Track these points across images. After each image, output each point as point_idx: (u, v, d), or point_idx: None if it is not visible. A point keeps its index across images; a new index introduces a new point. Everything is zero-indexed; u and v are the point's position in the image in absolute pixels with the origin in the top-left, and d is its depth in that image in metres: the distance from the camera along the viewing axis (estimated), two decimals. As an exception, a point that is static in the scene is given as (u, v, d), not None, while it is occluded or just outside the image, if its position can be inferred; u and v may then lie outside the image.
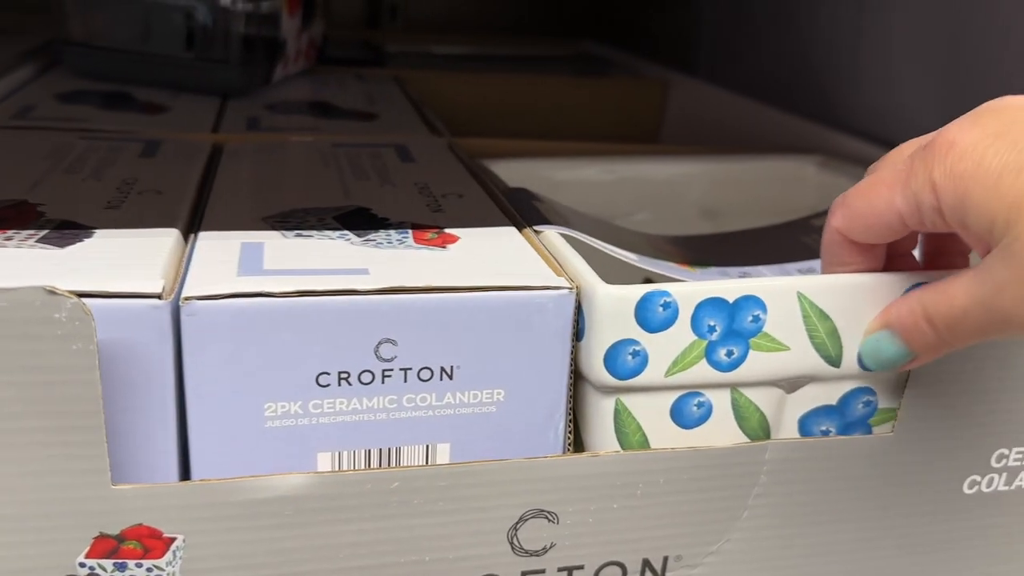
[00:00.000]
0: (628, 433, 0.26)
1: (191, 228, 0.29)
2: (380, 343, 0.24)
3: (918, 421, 0.28)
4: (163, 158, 0.36)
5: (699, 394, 0.27)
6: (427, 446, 0.26)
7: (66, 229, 0.27)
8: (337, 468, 0.25)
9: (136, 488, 0.23)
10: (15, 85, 0.49)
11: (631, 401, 0.26)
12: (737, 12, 0.67)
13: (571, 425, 0.27)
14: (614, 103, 0.64)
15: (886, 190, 0.25)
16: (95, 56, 0.49)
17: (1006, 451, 0.29)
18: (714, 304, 0.26)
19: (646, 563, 0.27)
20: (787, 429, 0.28)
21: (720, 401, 0.27)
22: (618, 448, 0.27)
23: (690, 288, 0.25)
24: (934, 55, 0.47)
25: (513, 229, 0.30)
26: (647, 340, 0.25)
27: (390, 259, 0.26)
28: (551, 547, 0.26)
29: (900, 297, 0.26)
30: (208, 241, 0.27)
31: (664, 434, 0.27)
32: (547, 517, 0.26)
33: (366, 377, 0.24)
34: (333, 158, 0.38)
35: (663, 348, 0.26)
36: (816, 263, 0.34)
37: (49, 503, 0.23)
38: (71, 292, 0.21)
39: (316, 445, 0.25)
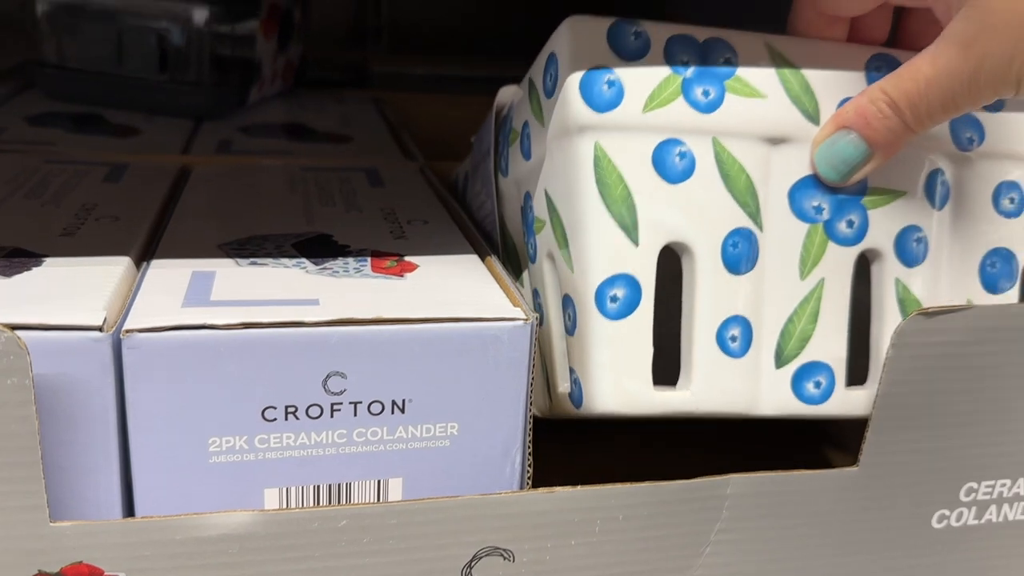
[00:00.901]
0: (610, 184, 0.26)
1: (145, 255, 0.28)
2: (328, 376, 0.24)
3: (885, 455, 0.27)
4: (127, 183, 0.36)
5: (680, 142, 0.26)
6: (379, 482, 0.25)
7: (16, 257, 0.27)
8: (285, 505, 0.24)
9: (75, 525, 0.22)
10: (-13, 107, 0.49)
11: (610, 144, 0.25)
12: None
13: (530, 459, 0.26)
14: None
15: None
16: (68, 78, 0.49)
17: (975, 485, 0.29)
18: (684, 40, 0.26)
19: (606, 601, 0.27)
20: (777, 203, 0.27)
21: (703, 152, 0.26)
22: (601, 204, 0.26)
23: (660, 23, 0.26)
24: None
25: (475, 257, 0.30)
26: (621, 70, 0.25)
27: (344, 289, 0.26)
28: (507, 585, 0.26)
29: (854, 97, 0.26)
30: (159, 270, 0.26)
31: (648, 186, 0.26)
32: (502, 555, 0.25)
33: (314, 411, 0.24)
34: (301, 182, 0.38)
35: (638, 79, 0.25)
36: None
37: (-15, 541, 0.22)
38: (7, 325, 0.21)
39: (263, 481, 0.24)
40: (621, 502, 0.26)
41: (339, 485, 0.25)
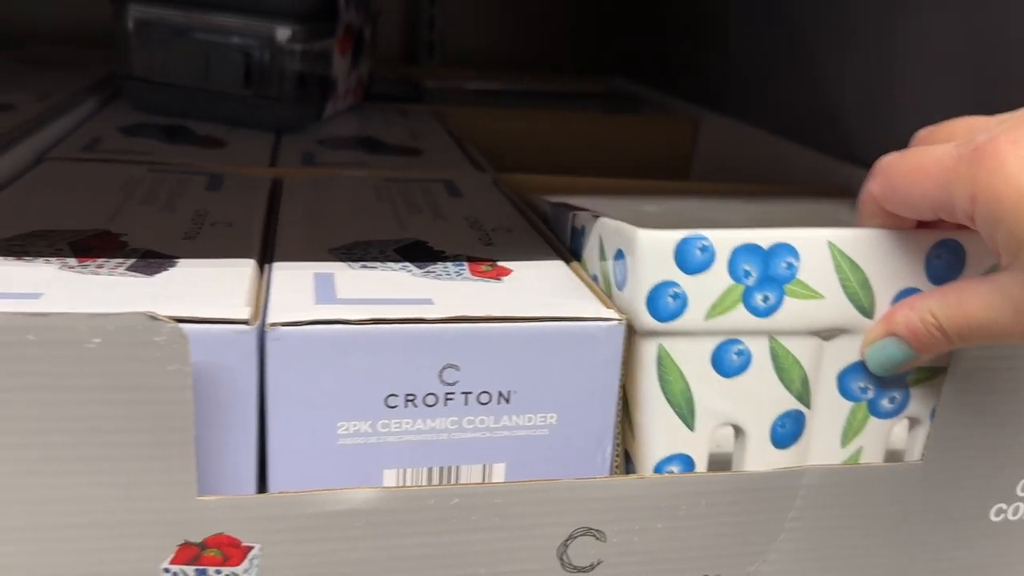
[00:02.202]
0: (671, 380, 0.28)
1: (264, 258, 0.31)
2: (444, 368, 0.26)
3: (946, 450, 0.29)
4: (228, 191, 0.38)
5: (738, 341, 0.28)
6: (484, 466, 0.27)
7: (151, 258, 0.29)
8: (401, 484, 0.27)
9: (219, 499, 0.25)
10: (82, 117, 0.52)
11: (673, 347, 0.27)
12: (767, 51, 0.69)
13: (619, 448, 0.29)
14: (645, 140, 0.66)
15: (926, 179, 0.26)
16: (156, 91, 0.52)
17: (1031, 481, 0.31)
18: (749, 250, 0.27)
19: (687, 581, 0.29)
20: (826, 385, 0.29)
21: (759, 350, 0.28)
22: (662, 396, 0.28)
23: (727, 233, 0.27)
24: (963, 95, 0.49)
25: (561, 263, 0.32)
26: (686, 282, 0.27)
27: (451, 290, 0.28)
28: (598, 564, 0.28)
29: (903, 303, 0.28)
30: (283, 271, 0.29)
31: (705, 381, 0.28)
32: (595, 535, 0.28)
33: (430, 399, 0.26)
34: (386, 192, 0.40)
35: (702, 291, 0.27)
36: None
37: (141, 511, 0.25)
38: (170, 317, 0.23)
39: (383, 462, 0.27)
40: (704, 489, 0.28)
41: (449, 468, 0.27)
